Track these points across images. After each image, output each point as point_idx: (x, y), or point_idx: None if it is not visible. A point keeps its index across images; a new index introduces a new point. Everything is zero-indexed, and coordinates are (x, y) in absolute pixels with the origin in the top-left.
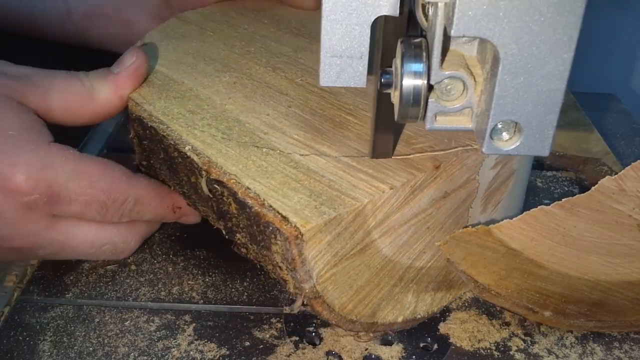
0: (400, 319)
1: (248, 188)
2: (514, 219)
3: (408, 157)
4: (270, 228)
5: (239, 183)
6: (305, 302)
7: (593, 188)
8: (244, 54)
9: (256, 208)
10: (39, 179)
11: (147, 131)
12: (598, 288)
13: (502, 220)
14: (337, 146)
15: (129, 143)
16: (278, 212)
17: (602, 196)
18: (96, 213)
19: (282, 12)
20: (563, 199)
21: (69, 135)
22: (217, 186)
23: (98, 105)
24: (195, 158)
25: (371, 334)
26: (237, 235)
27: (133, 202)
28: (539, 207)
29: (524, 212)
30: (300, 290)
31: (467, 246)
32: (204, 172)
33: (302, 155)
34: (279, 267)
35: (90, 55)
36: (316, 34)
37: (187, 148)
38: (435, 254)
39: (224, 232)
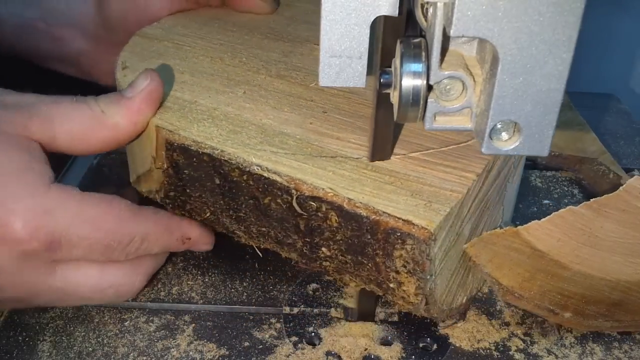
0: (465, 300)
1: (350, 199)
2: (542, 220)
3: (467, 143)
4: (398, 234)
5: (337, 195)
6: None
7: (621, 188)
8: (239, 64)
9: (373, 217)
10: (38, 226)
11: (195, 159)
12: (618, 288)
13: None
14: (398, 144)
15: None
16: (398, 217)
17: (629, 196)
18: (100, 255)
19: (240, 18)
20: (591, 199)
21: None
22: (312, 202)
23: (109, 132)
24: (277, 178)
25: (450, 319)
26: (322, 249)
27: (140, 241)
28: (567, 207)
29: (553, 213)
30: (423, 291)
31: (494, 248)
32: (293, 191)
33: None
34: (395, 272)
35: (24, 67)
36: (291, 37)
37: (256, 169)
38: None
39: (303, 249)
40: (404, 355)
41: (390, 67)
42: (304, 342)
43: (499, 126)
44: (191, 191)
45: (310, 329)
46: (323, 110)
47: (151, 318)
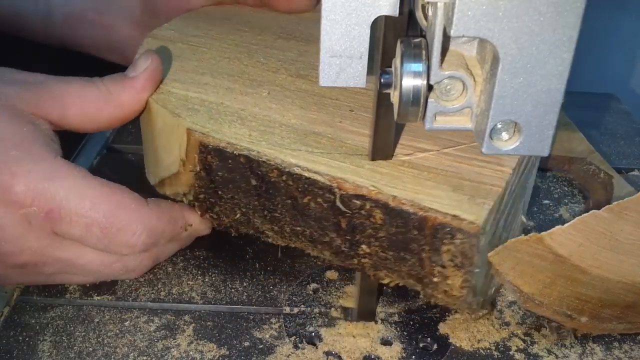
0: (494, 290)
1: (395, 196)
2: (565, 225)
3: None
4: (447, 229)
5: (381, 193)
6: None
7: None
8: (257, 65)
9: (421, 213)
10: (38, 190)
11: (230, 161)
12: (633, 290)
13: None
14: (430, 140)
15: (127, 143)
16: (445, 212)
17: None
18: (97, 241)
19: (250, 18)
20: (613, 203)
21: (68, 139)
22: (356, 201)
23: (116, 109)
24: (318, 177)
25: (483, 310)
26: (362, 246)
27: (146, 235)
28: (590, 212)
29: (575, 218)
30: (469, 284)
31: (517, 255)
32: (336, 190)
33: (408, 154)
34: (441, 266)
35: (73, 57)
36: (304, 36)
37: (296, 169)
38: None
39: (341, 247)
40: (404, 355)
41: (390, 67)
42: (304, 342)
43: (499, 126)
44: (223, 193)
45: (310, 329)
46: (350, 109)
47: (151, 318)
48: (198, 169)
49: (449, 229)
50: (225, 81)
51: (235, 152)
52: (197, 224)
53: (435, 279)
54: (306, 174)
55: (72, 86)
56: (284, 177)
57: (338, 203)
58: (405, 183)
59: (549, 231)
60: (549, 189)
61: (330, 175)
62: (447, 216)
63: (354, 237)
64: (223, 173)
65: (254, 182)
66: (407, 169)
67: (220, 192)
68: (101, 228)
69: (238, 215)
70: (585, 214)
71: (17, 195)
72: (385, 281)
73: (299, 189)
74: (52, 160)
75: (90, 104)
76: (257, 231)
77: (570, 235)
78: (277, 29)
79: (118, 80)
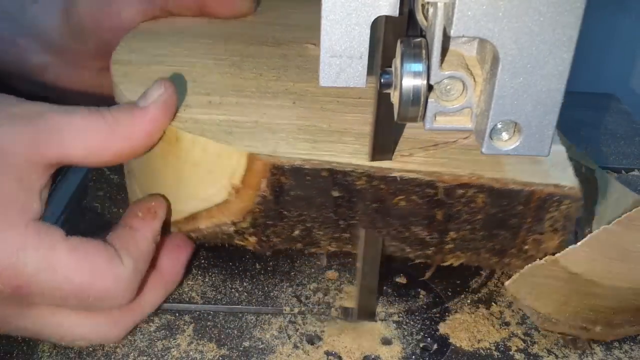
0: None
1: (495, 178)
2: (578, 244)
3: None
4: (555, 197)
5: (482, 177)
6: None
7: None
8: (256, 76)
9: (527, 189)
10: (4, 266)
11: (308, 178)
12: None
13: None
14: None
15: None
16: (547, 183)
17: None
18: (77, 305)
19: (200, 28)
20: (622, 215)
21: None
22: (460, 190)
23: (124, 142)
24: (415, 175)
25: None
26: (450, 233)
27: (129, 293)
28: (601, 228)
29: (588, 236)
30: (567, 243)
31: (534, 279)
32: (438, 183)
33: (465, 138)
34: (539, 234)
35: None
36: (267, 39)
37: (394, 173)
38: None
39: (425, 238)
40: (404, 355)
41: (390, 67)
42: (304, 342)
43: (499, 126)
44: (288, 212)
45: (310, 329)
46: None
47: (151, 318)
48: (266, 193)
49: (557, 197)
50: (237, 98)
51: (316, 167)
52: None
53: (526, 247)
54: (403, 174)
55: (74, 117)
56: (374, 183)
57: (441, 196)
58: (485, 164)
59: (563, 252)
60: None
61: (427, 170)
62: (550, 186)
63: (446, 227)
64: (296, 192)
65: (335, 194)
66: (473, 151)
67: (285, 212)
68: (78, 299)
69: (297, 232)
70: (596, 231)
71: None
72: (449, 263)
73: (390, 191)
74: (22, 228)
75: (95, 137)
76: (310, 245)
77: (584, 253)
78: (237, 37)
79: (127, 111)
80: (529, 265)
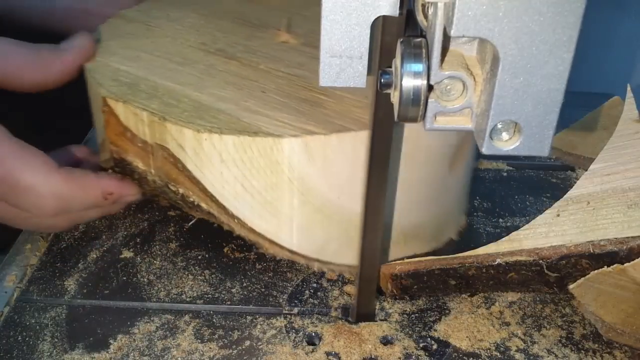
0: None
1: (593, 242)
2: None
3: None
4: None
5: (579, 244)
6: None
7: None
8: (199, 45)
9: (624, 247)
10: None
11: (424, 277)
12: None
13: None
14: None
15: None
16: None
17: None
18: (6, 196)
19: (219, 2)
20: None
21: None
22: (562, 261)
23: (41, 75)
24: (521, 257)
25: None
26: (568, 282)
27: (53, 200)
28: None
29: None
30: None
31: (600, 287)
32: (540, 261)
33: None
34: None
35: None
36: (260, 22)
37: (498, 260)
38: None
39: (548, 291)
40: (404, 355)
41: (390, 67)
42: (304, 342)
43: (499, 126)
44: (419, 291)
45: (310, 329)
46: (262, 90)
47: (151, 318)
48: (395, 292)
49: None
50: (159, 59)
51: (428, 267)
52: (119, 190)
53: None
54: (507, 259)
55: (3, 42)
56: (483, 270)
57: (547, 271)
58: (585, 222)
59: (631, 262)
60: (558, 187)
61: (531, 249)
62: None
63: (563, 282)
64: (414, 290)
65: (452, 282)
66: (573, 209)
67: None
68: (8, 185)
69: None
70: None
71: None
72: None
73: (501, 271)
74: None
75: (15, 64)
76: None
77: None
78: (236, 15)
79: (50, 48)
80: (596, 271)
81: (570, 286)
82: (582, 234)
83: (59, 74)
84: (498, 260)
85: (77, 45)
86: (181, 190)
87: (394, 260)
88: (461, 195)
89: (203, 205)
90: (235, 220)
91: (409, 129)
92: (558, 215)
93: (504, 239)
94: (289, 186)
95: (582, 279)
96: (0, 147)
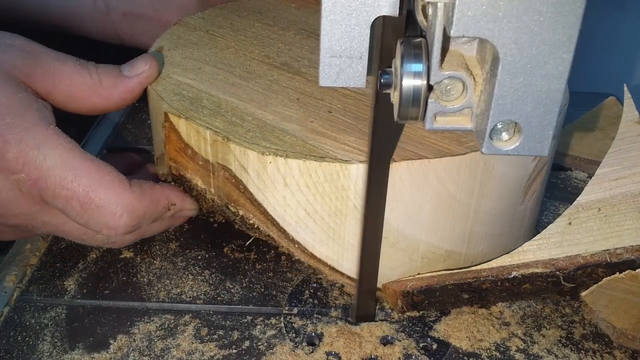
0: None
1: (609, 251)
2: None
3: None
4: None
5: (595, 254)
6: None
7: None
8: (263, 58)
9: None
10: (27, 158)
11: (437, 292)
12: None
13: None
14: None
15: (128, 143)
16: None
17: None
18: (77, 215)
19: (283, 12)
20: None
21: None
22: (578, 271)
23: (101, 100)
24: (536, 270)
25: None
26: (581, 290)
27: (126, 216)
28: None
29: None
30: None
31: (612, 293)
32: (557, 273)
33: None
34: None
35: (130, 54)
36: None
37: (514, 273)
38: None
39: (561, 298)
40: (404, 355)
41: (390, 67)
42: (304, 342)
43: (499, 126)
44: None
45: (310, 329)
46: (328, 110)
47: (151, 318)
48: (406, 308)
49: None
50: (221, 72)
51: (441, 283)
52: (181, 203)
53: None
54: (523, 272)
55: (65, 65)
56: (499, 284)
57: (563, 282)
58: (599, 231)
59: None
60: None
61: (545, 260)
62: None
63: (576, 290)
64: (425, 304)
65: (465, 296)
66: (588, 221)
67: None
68: (80, 203)
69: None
70: None
71: (9, 162)
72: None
73: (516, 283)
74: (43, 128)
75: (78, 88)
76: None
77: None
78: (301, 25)
79: (112, 75)
80: (608, 277)
81: (582, 293)
82: (597, 242)
83: (120, 101)
84: (514, 273)
85: (142, 71)
86: (241, 212)
87: (404, 278)
88: (528, 230)
89: (263, 228)
90: (296, 245)
91: (485, 158)
92: (570, 224)
93: (517, 250)
94: (353, 213)
95: (595, 285)
96: (72, 162)
